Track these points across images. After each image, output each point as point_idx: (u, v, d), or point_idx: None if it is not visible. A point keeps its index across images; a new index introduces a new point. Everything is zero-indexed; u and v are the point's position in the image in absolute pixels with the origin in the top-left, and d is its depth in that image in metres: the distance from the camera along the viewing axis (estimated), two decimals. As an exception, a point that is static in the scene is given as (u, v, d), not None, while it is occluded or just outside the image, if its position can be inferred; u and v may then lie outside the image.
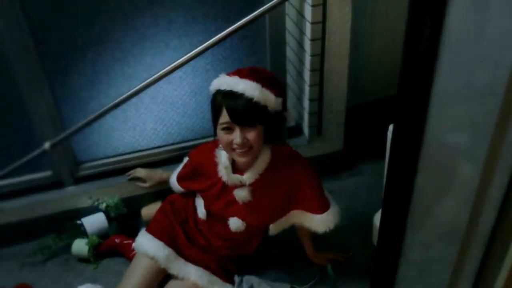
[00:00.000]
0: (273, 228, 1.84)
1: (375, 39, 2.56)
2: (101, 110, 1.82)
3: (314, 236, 1.91)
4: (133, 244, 1.89)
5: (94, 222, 2.15)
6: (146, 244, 1.82)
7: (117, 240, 2.10)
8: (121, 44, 1.97)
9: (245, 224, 1.77)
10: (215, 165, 1.72)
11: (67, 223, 2.15)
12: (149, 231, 1.87)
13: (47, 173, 2.15)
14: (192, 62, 1.74)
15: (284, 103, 1.61)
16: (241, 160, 1.61)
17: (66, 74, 1.99)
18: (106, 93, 2.03)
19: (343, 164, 2.50)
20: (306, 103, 2.25)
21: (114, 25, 1.93)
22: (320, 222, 1.78)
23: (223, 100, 1.52)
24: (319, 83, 2.18)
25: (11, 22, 1.79)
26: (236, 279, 1.88)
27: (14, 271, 2.07)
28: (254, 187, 1.70)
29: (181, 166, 1.96)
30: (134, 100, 1.86)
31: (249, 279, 1.88)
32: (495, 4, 0.77)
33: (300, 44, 2.15)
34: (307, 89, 2.20)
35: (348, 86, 2.24)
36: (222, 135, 1.56)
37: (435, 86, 0.85)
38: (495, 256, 1.03)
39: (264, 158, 1.66)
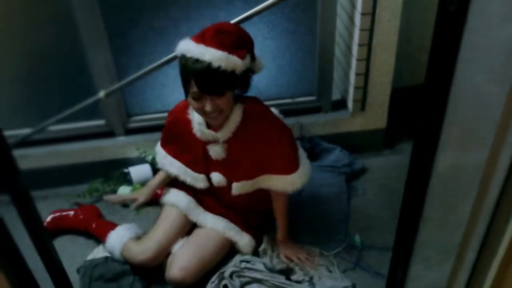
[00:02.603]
0: (237, 188, 1.84)
1: (427, 22, 2.52)
2: (153, 65, 1.93)
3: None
4: (161, 199, 2.03)
5: (140, 172, 2.30)
6: (170, 195, 1.99)
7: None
8: (177, 4, 2.07)
9: (225, 179, 1.83)
10: (188, 122, 1.77)
11: (115, 171, 2.31)
12: (173, 186, 2.02)
13: (101, 122, 2.31)
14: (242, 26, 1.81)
15: (252, 55, 1.62)
16: (213, 123, 1.69)
17: (124, 30, 2.11)
18: (160, 50, 2.13)
19: (385, 141, 2.52)
20: (352, 77, 2.28)
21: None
22: (286, 183, 1.80)
23: (190, 71, 1.53)
24: (366, 58, 2.19)
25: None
26: (265, 238, 1.98)
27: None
28: (228, 144, 1.75)
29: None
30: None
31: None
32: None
33: (351, 18, 2.17)
34: (354, 63, 2.22)
35: (396, 67, 2.24)
36: (192, 103, 1.61)
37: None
38: (491, 247, 1.06)
39: (235, 117, 1.69)
